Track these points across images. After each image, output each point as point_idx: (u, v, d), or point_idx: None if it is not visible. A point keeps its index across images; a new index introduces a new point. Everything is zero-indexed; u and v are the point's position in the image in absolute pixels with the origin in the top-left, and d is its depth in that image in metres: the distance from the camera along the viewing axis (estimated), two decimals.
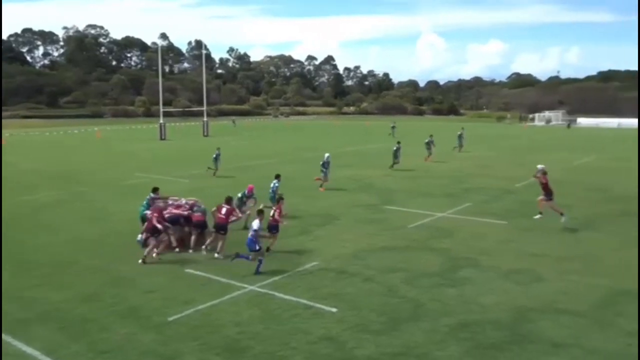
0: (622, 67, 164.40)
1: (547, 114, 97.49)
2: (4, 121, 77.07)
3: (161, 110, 62.38)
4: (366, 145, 49.17)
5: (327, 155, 26.10)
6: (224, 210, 14.98)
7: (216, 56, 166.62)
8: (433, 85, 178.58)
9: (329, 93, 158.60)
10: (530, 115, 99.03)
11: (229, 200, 15.38)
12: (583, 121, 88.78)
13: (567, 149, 46.57)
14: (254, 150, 45.99)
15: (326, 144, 50.32)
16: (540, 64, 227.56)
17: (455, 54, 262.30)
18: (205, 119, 66.04)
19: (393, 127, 62.12)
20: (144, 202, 16.43)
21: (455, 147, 41.91)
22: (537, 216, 18.53)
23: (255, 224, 13.71)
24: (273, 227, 15.02)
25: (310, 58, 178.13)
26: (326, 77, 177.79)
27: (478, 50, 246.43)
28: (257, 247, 13.62)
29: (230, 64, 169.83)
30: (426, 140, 36.61)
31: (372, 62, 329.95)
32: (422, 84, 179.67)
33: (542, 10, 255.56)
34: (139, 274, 13.60)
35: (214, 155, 30.19)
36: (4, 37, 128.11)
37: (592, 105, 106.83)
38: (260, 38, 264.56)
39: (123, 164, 36.04)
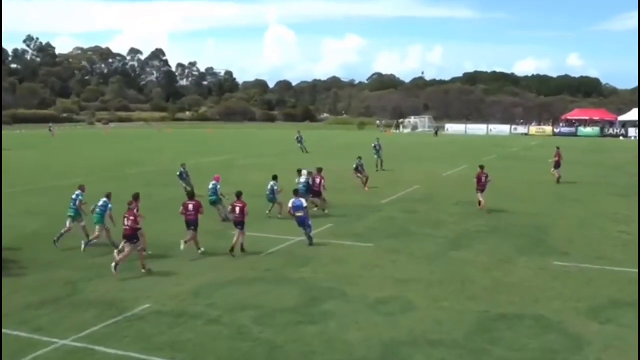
0: (486, 68, 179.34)
1: (412, 119, 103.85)
2: None
3: None
4: (207, 158, 48.80)
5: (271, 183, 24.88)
6: (190, 207, 18.15)
7: (9, 47, 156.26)
8: (284, 85, 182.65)
9: (158, 95, 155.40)
10: (397, 121, 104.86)
11: (191, 195, 18.99)
12: (451, 127, 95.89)
13: (435, 158, 49.90)
14: (63, 166, 43.59)
15: (155, 157, 49.19)
16: (403, 64, 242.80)
17: (307, 50, 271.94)
18: None
19: (299, 138, 57.75)
20: None
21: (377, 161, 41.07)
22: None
23: (303, 202, 19.75)
24: (239, 224, 18.45)
25: (134, 52, 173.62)
26: (155, 75, 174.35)
27: (334, 45, 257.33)
28: (310, 222, 19.61)
29: (28, 57, 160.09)
30: (354, 165, 33.64)
31: (211, 58, 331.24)
32: (271, 84, 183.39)
33: (401, 2, 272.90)
34: None
35: (177, 173, 29.38)
36: None
37: (459, 108, 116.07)
38: (68, 25, 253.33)
39: None
